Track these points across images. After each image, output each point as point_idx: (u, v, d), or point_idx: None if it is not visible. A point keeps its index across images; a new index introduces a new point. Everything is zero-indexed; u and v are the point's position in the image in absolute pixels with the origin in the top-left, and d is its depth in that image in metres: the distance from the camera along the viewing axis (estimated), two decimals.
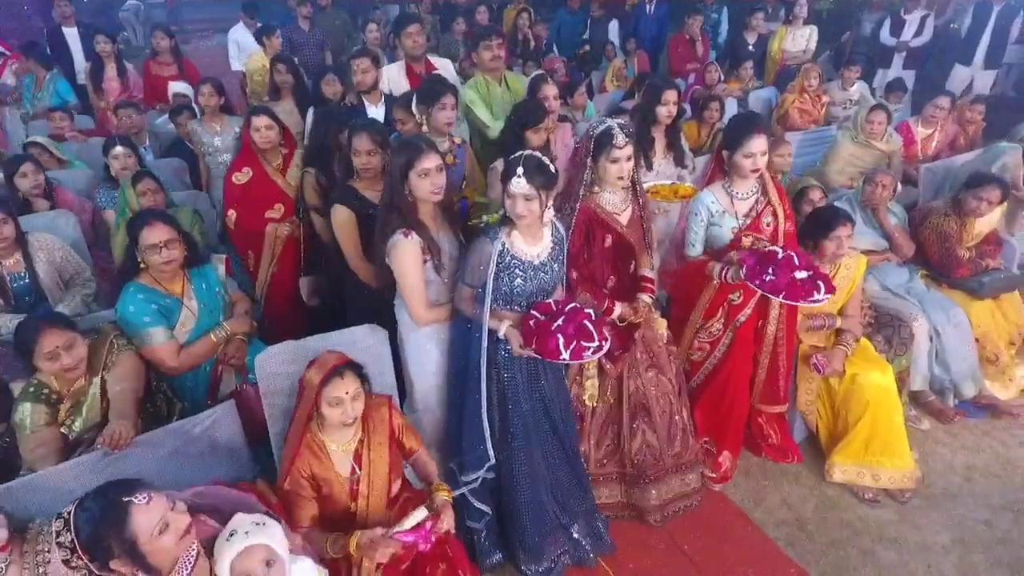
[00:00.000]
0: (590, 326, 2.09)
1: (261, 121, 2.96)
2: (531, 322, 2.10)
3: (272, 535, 1.48)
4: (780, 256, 2.29)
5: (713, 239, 2.54)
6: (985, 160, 3.76)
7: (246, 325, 2.44)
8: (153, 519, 1.35)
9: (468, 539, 2.40)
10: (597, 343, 2.08)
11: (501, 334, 2.10)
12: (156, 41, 5.25)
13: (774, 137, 4.27)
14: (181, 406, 2.32)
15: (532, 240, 2.12)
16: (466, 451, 2.23)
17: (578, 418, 2.58)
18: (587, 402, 2.59)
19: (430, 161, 2.03)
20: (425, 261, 2.10)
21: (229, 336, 2.37)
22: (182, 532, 1.39)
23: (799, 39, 6.19)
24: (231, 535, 1.45)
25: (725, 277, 2.47)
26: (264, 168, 3.03)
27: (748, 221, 2.47)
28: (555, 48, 7.30)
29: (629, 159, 2.33)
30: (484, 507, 2.33)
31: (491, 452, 2.18)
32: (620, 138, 2.28)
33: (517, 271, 2.08)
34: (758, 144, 2.34)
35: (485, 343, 2.10)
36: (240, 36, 6.17)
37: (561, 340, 2.02)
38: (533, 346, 2.04)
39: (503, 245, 2.06)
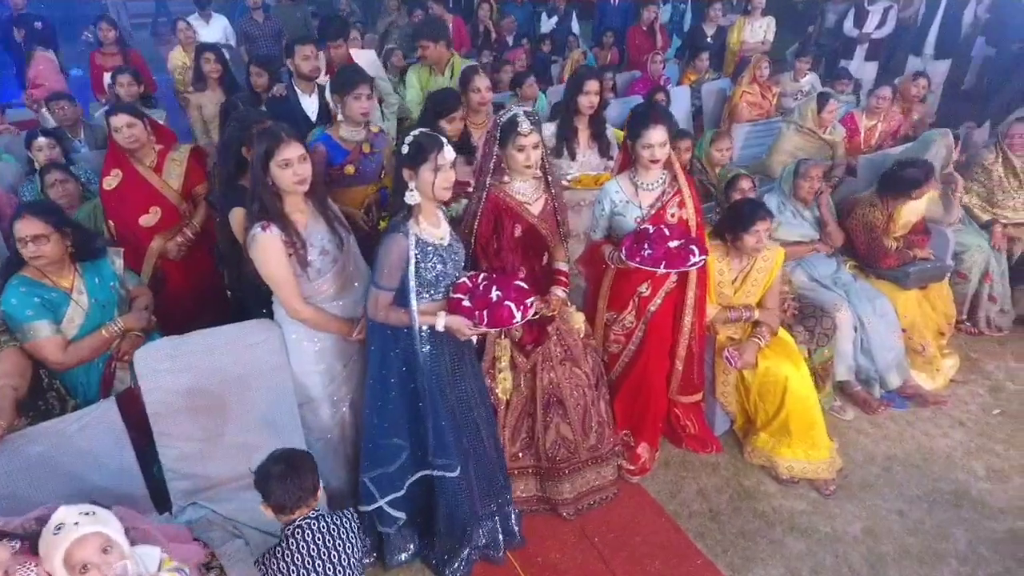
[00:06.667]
0: (522, 284, 2.16)
1: (120, 120, 2.67)
2: (464, 303, 2.07)
3: (105, 522, 1.44)
4: (651, 231, 2.33)
5: (618, 228, 2.52)
6: (916, 151, 3.76)
7: (143, 321, 2.38)
8: None
9: (377, 539, 2.37)
10: (532, 297, 2.16)
11: (440, 326, 2.05)
12: (101, 32, 5.17)
13: (719, 130, 4.26)
14: (73, 403, 2.27)
15: (435, 223, 2.09)
16: (388, 461, 2.18)
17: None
18: (500, 395, 2.56)
19: (291, 151, 1.96)
20: (289, 255, 2.03)
21: (123, 332, 2.32)
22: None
23: (757, 30, 6.17)
24: (58, 528, 1.40)
25: (611, 260, 2.50)
26: (135, 168, 2.76)
27: (652, 211, 2.45)
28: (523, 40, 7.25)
29: (536, 147, 2.30)
30: (399, 514, 2.29)
31: (441, 461, 2.16)
32: (525, 125, 2.25)
33: (435, 256, 2.05)
34: (656, 135, 2.32)
35: (419, 343, 2.05)
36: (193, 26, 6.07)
37: (512, 306, 2.04)
38: (484, 323, 2.03)
39: (415, 235, 2.02)
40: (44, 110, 4.31)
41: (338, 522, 1.86)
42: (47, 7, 11.75)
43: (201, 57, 4.21)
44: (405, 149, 1.98)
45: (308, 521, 1.80)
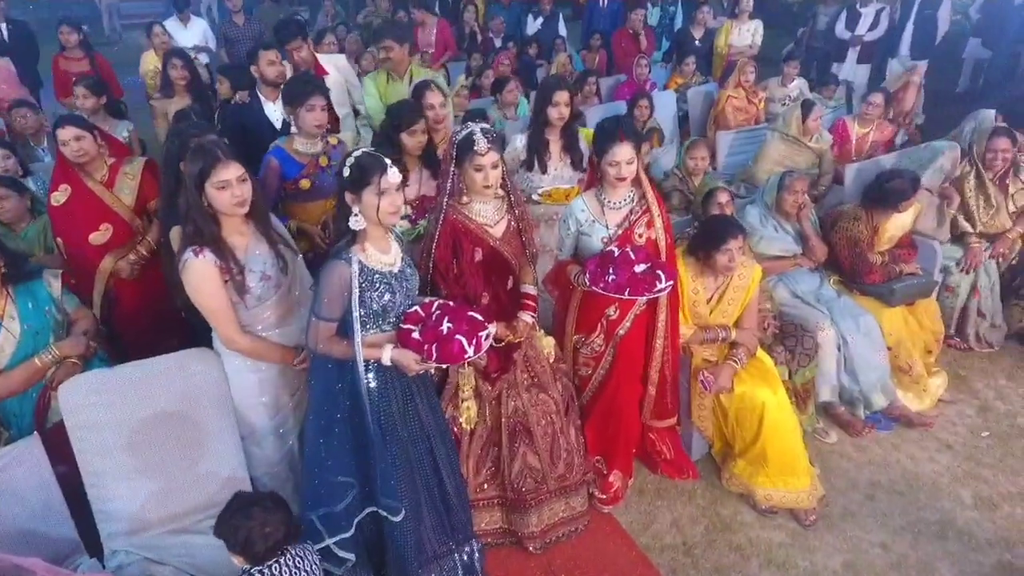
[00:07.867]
0: (476, 315, 2.00)
1: (67, 133, 2.55)
2: (414, 335, 1.93)
3: None
4: (617, 255, 2.21)
5: (584, 249, 2.40)
6: (922, 160, 3.63)
7: (80, 347, 2.25)
8: None
9: None
10: (487, 330, 2.00)
11: (387, 360, 1.91)
12: (63, 36, 5.04)
13: (694, 139, 4.14)
14: (7, 435, 2.15)
15: (384, 249, 1.95)
16: (334, 499, 2.04)
17: (456, 442, 2.43)
18: (464, 425, 2.44)
19: (228, 171, 1.83)
20: (226, 281, 1.90)
21: (58, 359, 2.19)
22: None
23: (744, 34, 6.05)
24: None
25: (576, 282, 2.38)
26: (84, 182, 2.64)
27: (619, 231, 2.32)
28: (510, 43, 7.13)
29: (495, 167, 2.17)
30: (348, 555, 2.12)
31: (387, 502, 2.02)
32: (482, 144, 2.12)
33: (382, 285, 1.91)
34: (622, 152, 2.20)
35: (363, 377, 1.90)
36: (171, 30, 5.95)
37: (464, 341, 1.90)
38: (433, 357, 1.89)
39: (359, 263, 1.87)
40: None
41: (302, 554, 1.79)
42: (36, 8, 11.69)
43: (169, 63, 4.09)
44: (346, 172, 1.84)
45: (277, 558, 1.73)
